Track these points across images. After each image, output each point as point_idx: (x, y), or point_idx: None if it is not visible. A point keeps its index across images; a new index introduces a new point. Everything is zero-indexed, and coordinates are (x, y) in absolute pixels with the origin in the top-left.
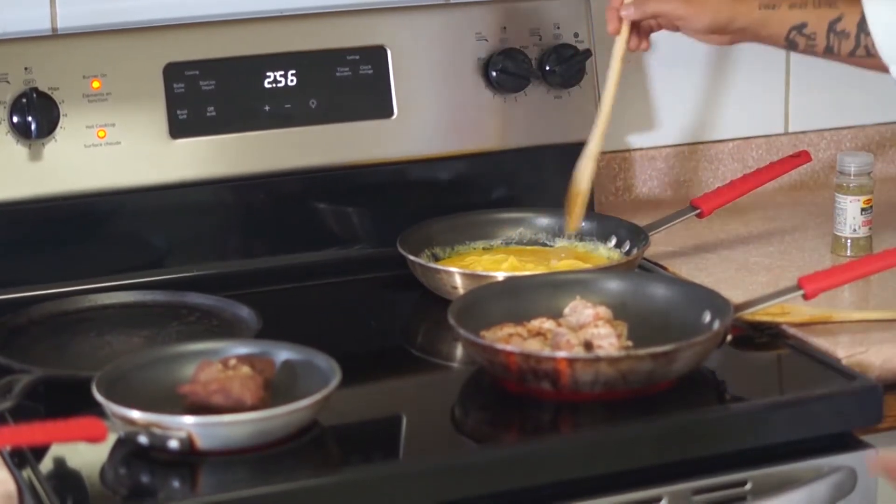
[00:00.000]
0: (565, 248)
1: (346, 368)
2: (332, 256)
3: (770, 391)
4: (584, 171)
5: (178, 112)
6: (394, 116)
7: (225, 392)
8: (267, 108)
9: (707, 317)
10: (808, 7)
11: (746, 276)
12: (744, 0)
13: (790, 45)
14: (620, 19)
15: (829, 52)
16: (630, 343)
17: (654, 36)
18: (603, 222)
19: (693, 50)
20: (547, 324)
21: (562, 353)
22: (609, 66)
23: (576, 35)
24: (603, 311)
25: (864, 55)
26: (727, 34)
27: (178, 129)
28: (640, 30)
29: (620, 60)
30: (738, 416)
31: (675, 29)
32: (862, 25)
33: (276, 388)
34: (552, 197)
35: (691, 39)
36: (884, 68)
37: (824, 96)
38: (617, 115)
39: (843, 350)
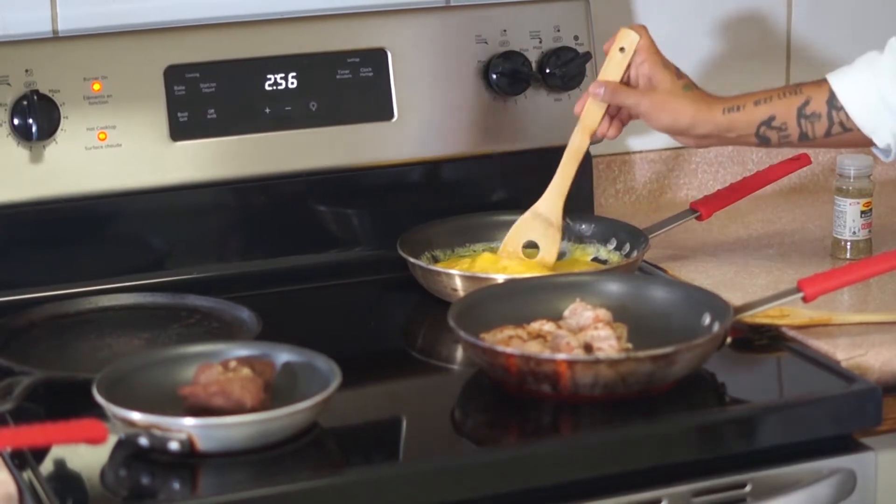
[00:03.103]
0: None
1: (347, 370)
2: (333, 259)
3: (769, 393)
4: (549, 240)
5: (179, 114)
6: (394, 119)
7: (225, 394)
8: (267, 110)
9: (707, 319)
10: (773, 100)
11: (746, 278)
12: (708, 104)
13: (762, 142)
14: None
15: (804, 139)
16: (630, 345)
17: (654, 37)
18: (603, 224)
19: (693, 52)
20: (547, 326)
21: (562, 356)
22: (571, 140)
23: (576, 38)
24: (603, 313)
25: (841, 132)
26: (691, 137)
27: (178, 131)
28: (618, 114)
29: (585, 136)
30: (738, 418)
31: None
32: (832, 102)
33: (276, 390)
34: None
35: (692, 41)
36: (864, 142)
37: None
38: None
39: (843, 352)
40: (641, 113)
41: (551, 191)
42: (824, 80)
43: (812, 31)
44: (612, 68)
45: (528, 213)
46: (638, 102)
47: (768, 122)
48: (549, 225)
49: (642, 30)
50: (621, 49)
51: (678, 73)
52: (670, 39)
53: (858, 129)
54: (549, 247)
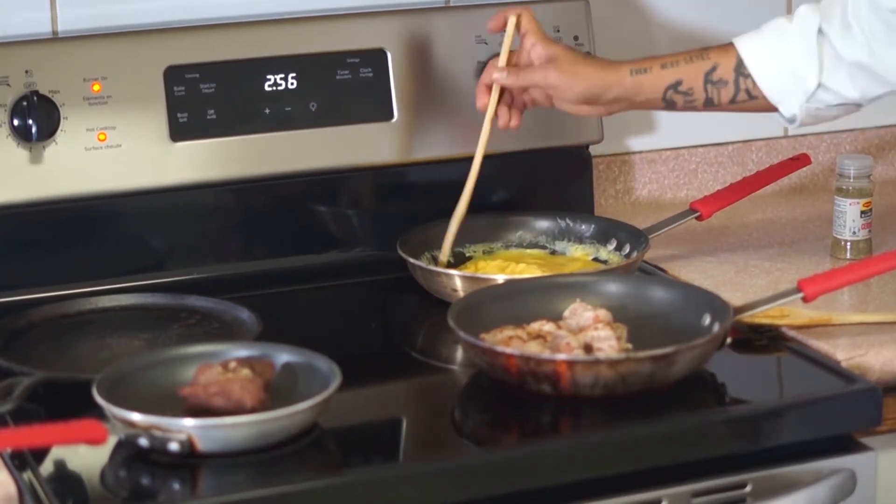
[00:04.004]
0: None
1: (346, 371)
2: (333, 259)
3: (770, 394)
4: (449, 231)
5: (179, 115)
6: (394, 119)
7: (225, 394)
8: (267, 110)
9: (707, 319)
10: (679, 64)
11: (746, 278)
12: (614, 67)
13: (668, 105)
14: (489, 93)
15: (709, 105)
16: (630, 345)
17: (654, 36)
18: (603, 225)
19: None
20: (547, 326)
21: (562, 356)
22: (479, 141)
23: (576, 38)
24: (603, 313)
25: (746, 98)
26: (601, 104)
27: (178, 131)
28: (514, 104)
29: (489, 131)
30: (738, 418)
31: (550, 104)
32: (739, 69)
33: (276, 391)
34: (552, 200)
35: (692, 40)
36: (768, 108)
37: None
38: (618, 118)
39: (843, 352)
40: (551, 86)
41: (463, 192)
42: (731, 45)
43: None
44: (502, 55)
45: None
46: (546, 76)
47: (675, 87)
48: (452, 222)
49: (526, 11)
50: (510, 35)
51: (571, 48)
52: (670, 40)
53: (765, 98)
54: (444, 244)
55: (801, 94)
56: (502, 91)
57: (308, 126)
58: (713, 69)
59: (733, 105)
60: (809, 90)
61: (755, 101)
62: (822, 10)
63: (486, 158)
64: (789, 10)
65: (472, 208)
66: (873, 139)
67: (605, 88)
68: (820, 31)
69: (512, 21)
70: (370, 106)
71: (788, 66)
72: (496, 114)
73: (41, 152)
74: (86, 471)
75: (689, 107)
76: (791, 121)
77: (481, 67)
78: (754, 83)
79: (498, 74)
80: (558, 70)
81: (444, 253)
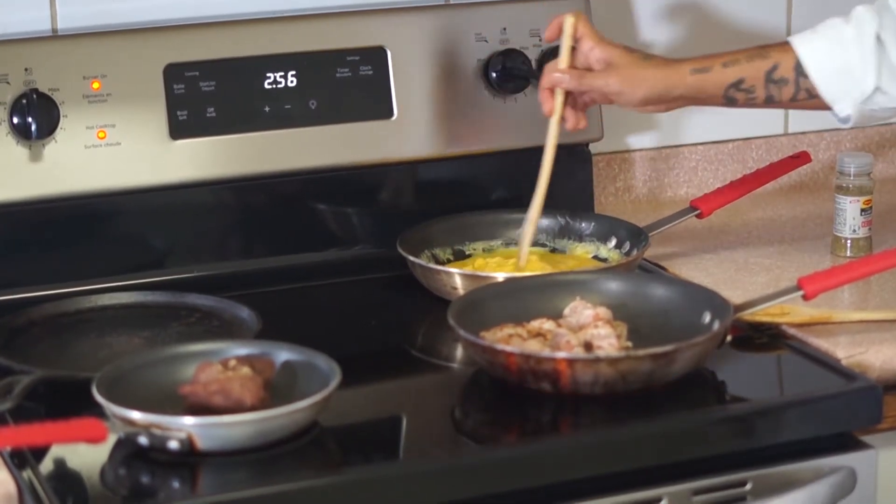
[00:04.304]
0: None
1: (346, 369)
2: (332, 257)
3: (770, 392)
4: (525, 237)
5: (179, 113)
6: (394, 117)
7: (225, 393)
8: (267, 108)
9: (707, 317)
10: (741, 62)
11: (746, 276)
12: (675, 67)
13: (729, 102)
14: (552, 97)
15: (770, 102)
16: (630, 344)
17: (654, 35)
18: (603, 223)
19: (693, 48)
20: (547, 324)
21: (562, 354)
22: (546, 143)
23: None
24: (603, 311)
25: (806, 98)
26: (663, 103)
27: (178, 129)
28: (577, 105)
29: (556, 133)
30: (738, 416)
31: (610, 102)
32: (798, 69)
33: (276, 389)
34: (552, 197)
35: (692, 36)
36: (825, 106)
37: None
38: (618, 116)
39: (843, 350)
40: (613, 92)
41: (535, 195)
42: (788, 45)
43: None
44: (562, 58)
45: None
46: (608, 82)
47: (737, 85)
48: (528, 222)
49: (580, 14)
50: (568, 37)
51: (629, 48)
52: (670, 39)
53: (821, 97)
54: (521, 246)
55: (858, 95)
56: (566, 93)
57: (308, 124)
58: (774, 68)
59: (794, 103)
60: (867, 93)
61: (815, 101)
62: (878, 16)
63: (486, 157)
64: (789, 12)
65: (471, 206)
66: (874, 137)
67: (667, 90)
68: (878, 38)
69: (570, 22)
70: (370, 104)
71: (846, 69)
72: (563, 116)
73: (41, 150)
74: (85, 469)
75: (750, 104)
76: (845, 121)
77: (482, 65)
78: (813, 84)
79: (559, 77)
80: (619, 76)
81: (522, 257)
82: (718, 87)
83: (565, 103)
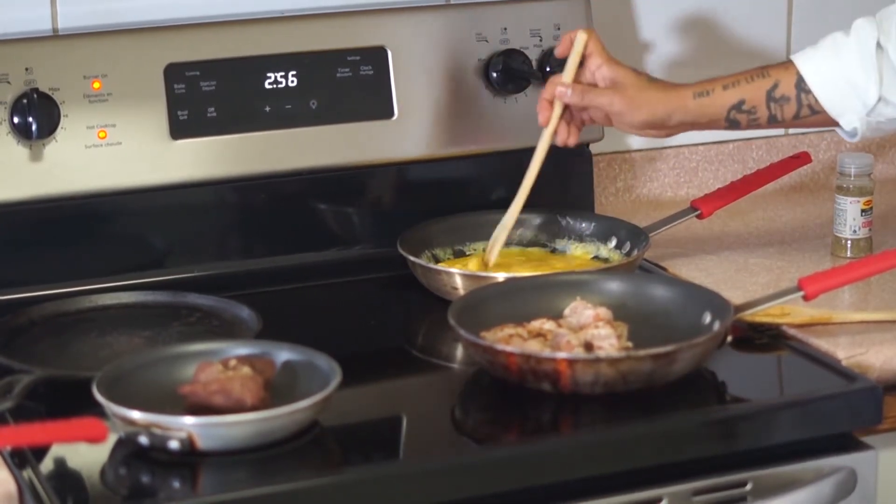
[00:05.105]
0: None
1: (347, 369)
2: (333, 257)
3: (770, 392)
4: (496, 242)
5: (179, 113)
6: (394, 117)
7: (225, 392)
8: (267, 108)
9: (707, 318)
10: (741, 83)
11: (746, 276)
12: (677, 91)
13: (731, 125)
14: (551, 108)
15: (773, 122)
16: (630, 344)
17: (653, 34)
18: (603, 223)
19: (693, 49)
20: (547, 324)
21: (562, 354)
22: (535, 152)
23: None
24: (603, 311)
25: (809, 114)
26: (664, 129)
27: (178, 129)
28: (573, 121)
29: (548, 144)
30: (739, 416)
31: (609, 124)
32: (800, 85)
33: (276, 389)
34: (552, 198)
35: (691, 40)
36: (830, 122)
37: None
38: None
39: (843, 351)
40: (615, 112)
41: (515, 200)
42: (790, 62)
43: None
44: (568, 72)
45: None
46: (611, 101)
47: (738, 107)
48: (502, 227)
49: (592, 32)
50: (577, 53)
51: (636, 70)
52: (670, 39)
53: (826, 112)
54: (491, 245)
55: (862, 107)
56: (564, 107)
57: (308, 124)
58: (775, 86)
59: (797, 121)
60: (870, 104)
61: (818, 116)
62: (878, 24)
63: (486, 156)
64: (790, 13)
65: (471, 206)
66: (874, 137)
67: (669, 114)
68: (878, 45)
69: (582, 39)
70: (370, 104)
71: (848, 80)
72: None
73: (41, 150)
74: (86, 469)
75: (754, 125)
76: (852, 135)
77: (482, 65)
78: (815, 98)
79: (562, 91)
80: (623, 96)
81: (491, 256)
82: (720, 110)
83: (561, 117)
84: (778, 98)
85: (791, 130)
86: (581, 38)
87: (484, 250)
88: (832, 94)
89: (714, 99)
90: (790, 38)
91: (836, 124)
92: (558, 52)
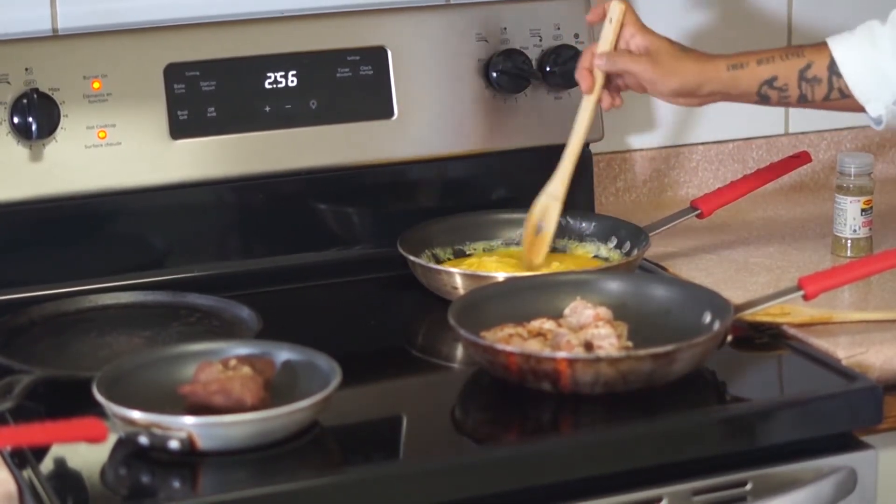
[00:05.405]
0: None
1: (347, 369)
2: (333, 257)
3: (770, 392)
4: (552, 213)
5: (179, 112)
6: (394, 117)
7: (225, 392)
8: (267, 108)
9: (707, 317)
10: (775, 60)
11: (747, 276)
12: (711, 62)
13: (762, 100)
14: (592, 76)
15: (803, 101)
16: (630, 344)
17: (656, 31)
18: (603, 223)
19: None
20: (547, 324)
21: (562, 354)
22: (578, 117)
23: (576, 36)
24: (603, 311)
25: (839, 97)
26: (696, 97)
27: (178, 129)
28: (612, 87)
29: (592, 111)
30: (739, 416)
31: (644, 91)
32: (832, 68)
33: (276, 389)
34: None
35: (692, 38)
36: (859, 108)
37: None
38: (618, 116)
39: (844, 351)
40: (647, 80)
41: (560, 169)
42: (824, 45)
43: (813, 21)
44: (603, 40)
45: (540, 198)
46: (644, 69)
47: (770, 82)
48: (555, 199)
49: (626, 2)
50: (610, 20)
51: (670, 40)
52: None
53: (854, 97)
54: (549, 221)
55: (890, 95)
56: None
57: (308, 124)
58: (808, 66)
59: (827, 103)
60: None
61: (847, 101)
62: None
63: (486, 156)
64: (789, 15)
65: (471, 206)
66: (874, 137)
67: (701, 84)
68: None
69: (620, 8)
70: (370, 104)
71: (878, 68)
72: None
73: (41, 150)
74: (86, 469)
75: (784, 102)
76: (878, 122)
77: (482, 65)
78: (846, 83)
79: (599, 61)
80: (655, 64)
81: (541, 255)
82: (752, 83)
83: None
84: (810, 78)
85: (791, 130)
86: (618, 6)
87: (485, 250)
88: (862, 81)
89: (748, 72)
90: (790, 24)
91: (863, 110)
92: (589, 19)
